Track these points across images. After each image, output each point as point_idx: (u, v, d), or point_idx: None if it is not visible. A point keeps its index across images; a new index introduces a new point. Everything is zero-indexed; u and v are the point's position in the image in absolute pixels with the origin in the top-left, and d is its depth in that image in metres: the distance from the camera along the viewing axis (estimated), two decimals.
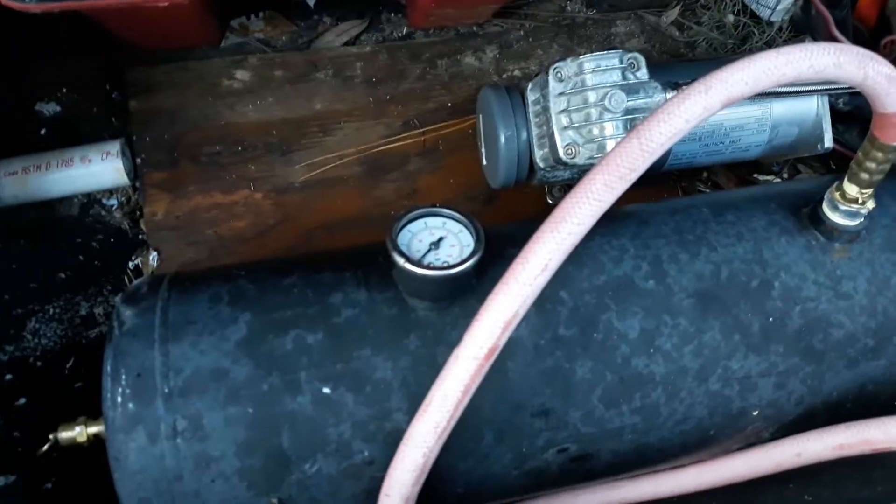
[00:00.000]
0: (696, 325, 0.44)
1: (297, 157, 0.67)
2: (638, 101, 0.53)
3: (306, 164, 0.67)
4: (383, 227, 0.67)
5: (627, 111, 0.52)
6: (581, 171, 0.57)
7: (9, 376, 0.55)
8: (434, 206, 0.43)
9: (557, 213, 0.36)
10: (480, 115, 0.63)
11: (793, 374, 0.46)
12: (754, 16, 0.74)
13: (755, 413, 0.46)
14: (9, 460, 0.51)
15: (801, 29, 0.72)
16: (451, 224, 0.42)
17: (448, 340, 0.43)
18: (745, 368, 0.45)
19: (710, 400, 0.45)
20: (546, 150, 0.54)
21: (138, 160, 0.65)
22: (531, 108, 0.55)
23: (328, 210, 0.66)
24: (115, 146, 0.64)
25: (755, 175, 0.75)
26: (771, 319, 0.45)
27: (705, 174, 0.74)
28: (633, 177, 0.37)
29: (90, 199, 0.66)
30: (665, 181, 0.71)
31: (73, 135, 0.65)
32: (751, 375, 0.45)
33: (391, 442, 0.41)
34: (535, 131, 0.55)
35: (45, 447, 0.48)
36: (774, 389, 0.46)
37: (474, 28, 0.73)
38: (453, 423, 0.38)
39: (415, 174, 0.68)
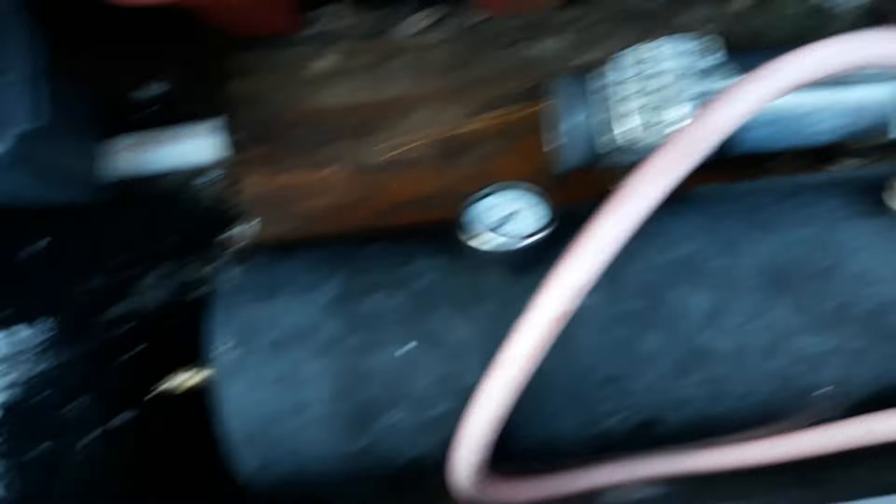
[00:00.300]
0: (764, 302, 0.46)
1: (379, 139, 0.71)
2: (710, 87, 0.54)
3: (386, 145, 0.71)
4: (456, 205, 0.71)
5: (698, 96, 0.53)
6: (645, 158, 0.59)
7: (122, 329, 0.61)
8: (505, 181, 0.46)
9: (621, 193, 0.39)
10: (550, 100, 0.65)
11: (861, 353, 0.47)
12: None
13: (822, 391, 0.47)
14: (122, 403, 0.57)
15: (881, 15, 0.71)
16: (524, 198, 0.45)
17: (520, 308, 0.46)
18: (813, 347, 0.46)
19: (777, 377, 0.46)
20: (612, 134, 0.57)
21: (235, 138, 0.71)
22: (599, 94, 0.57)
23: (405, 189, 0.70)
24: (215, 124, 0.69)
25: (825, 163, 0.75)
26: (841, 301, 0.46)
27: (774, 161, 0.74)
28: (700, 156, 0.38)
29: (191, 174, 0.72)
30: (734, 167, 0.72)
31: (176, 114, 0.71)
32: (819, 354, 0.46)
33: (466, 398, 0.44)
34: (601, 116, 0.57)
35: (155, 392, 0.54)
36: (843, 369, 0.47)
37: (546, 15, 0.75)
38: (524, 381, 0.41)
39: (486, 157, 0.71)
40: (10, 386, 0.50)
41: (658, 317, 0.45)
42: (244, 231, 0.69)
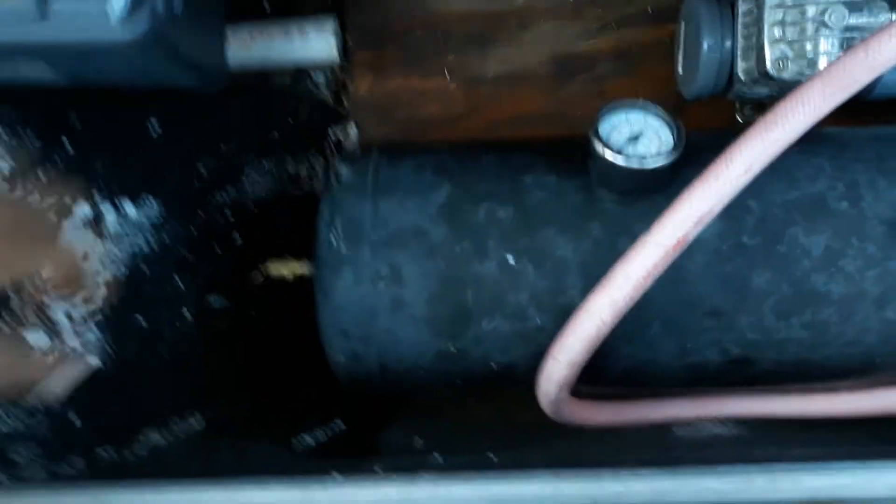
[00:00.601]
0: (884, 251, 0.44)
1: (493, 51, 0.69)
2: (860, 20, 0.50)
3: (500, 57, 0.69)
4: (566, 126, 0.69)
5: (847, 29, 0.50)
6: (782, 89, 0.56)
7: (229, 214, 0.64)
8: (638, 100, 0.44)
9: (769, 117, 0.37)
10: (683, 23, 0.62)
11: None
12: None
13: None
14: (225, 287, 0.60)
15: None
16: (652, 120, 0.44)
17: (630, 232, 0.45)
18: None
19: (884, 328, 0.45)
20: (752, 62, 0.54)
21: (348, 40, 0.71)
22: (741, 19, 0.54)
23: (515, 105, 0.69)
24: (329, 23, 0.69)
25: None
26: None
27: None
28: (854, 89, 0.36)
29: (301, 72, 0.72)
30: (866, 112, 0.68)
31: (291, 8, 0.71)
32: None
33: (562, 315, 0.45)
34: (741, 42, 0.54)
35: (257, 276, 0.56)
36: None
37: None
38: (630, 303, 0.41)
39: (603, 78, 0.69)
40: (115, 261, 0.53)
41: (773, 254, 0.44)
42: (352, 133, 0.69)
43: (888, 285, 0.44)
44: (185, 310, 0.57)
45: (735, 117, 0.66)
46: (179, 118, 0.65)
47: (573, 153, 0.48)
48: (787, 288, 0.44)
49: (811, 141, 0.48)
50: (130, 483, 0.40)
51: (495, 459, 0.45)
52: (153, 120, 0.64)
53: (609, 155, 0.43)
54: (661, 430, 0.52)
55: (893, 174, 0.45)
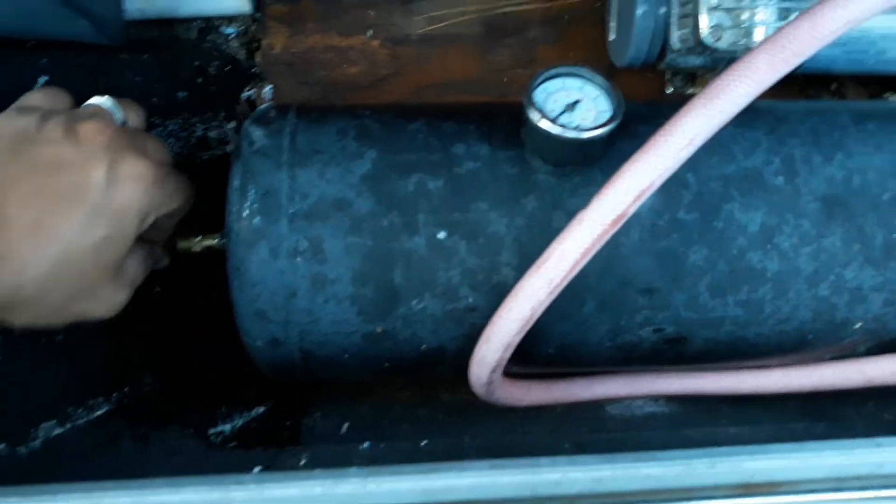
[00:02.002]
0: (818, 228, 0.44)
1: (418, 8, 0.65)
2: None
3: (427, 16, 0.65)
4: (495, 92, 0.66)
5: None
6: (715, 59, 0.54)
7: None
8: (576, 65, 0.42)
9: (711, 89, 0.35)
10: None
11: None
12: None
13: (858, 325, 0.46)
14: None
15: None
16: (589, 88, 0.42)
17: (566, 206, 0.43)
18: (858, 279, 0.44)
19: (817, 305, 0.45)
20: (687, 30, 0.52)
21: None
22: None
23: (441, 68, 0.66)
24: None
25: (887, 94, 0.71)
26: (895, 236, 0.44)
27: (834, 85, 0.70)
28: (798, 61, 0.35)
29: (209, 25, 0.66)
30: (792, 86, 0.68)
31: None
32: (863, 287, 0.44)
33: (495, 294, 0.43)
34: (676, 10, 0.53)
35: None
36: (883, 305, 0.45)
37: None
38: (566, 282, 0.39)
39: (534, 42, 0.66)
40: None
41: (710, 230, 0.43)
42: (265, 93, 0.64)
43: (821, 262, 0.44)
44: None
45: (664, 88, 0.65)
46: (71, 74, 0.58)
47: (506, 121, 0.46)
48: (723, 265, 0.43)
49: (747, 113, 0.47)
50: (19, 489, 0.36)
51: (426, 445, 0.42)
52: (41, 76, 0.58)
53: (544, 124, 0.40)
54: (594, 409, 0.51)
55: (828, 149, 0.45)
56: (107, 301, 0.43)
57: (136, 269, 0.46)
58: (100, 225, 0.41)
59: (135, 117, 0.48)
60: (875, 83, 0.68)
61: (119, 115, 0.47)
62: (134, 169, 0.42)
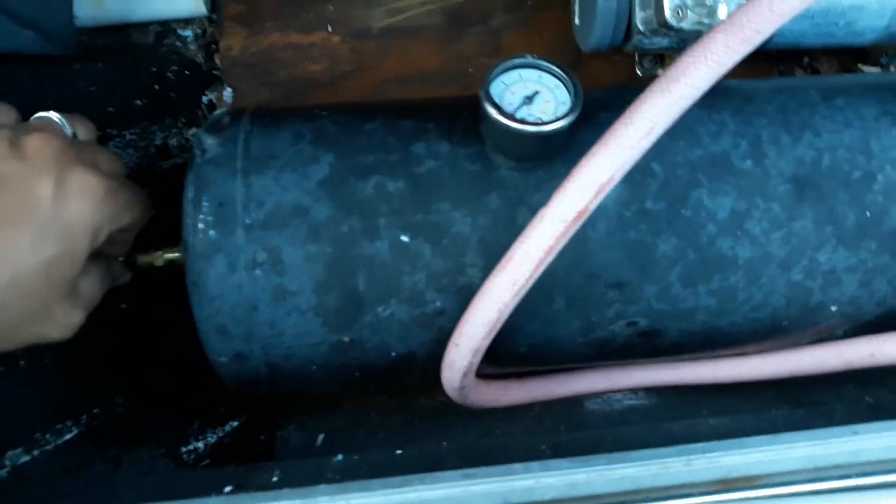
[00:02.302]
0: (788, 211, 0.43)
1: (376, 2, 0.64)
2: None
3: (387, 8, 0.64)
4: (461, 84, 0.65)
5: None
6: (682, 40, 0.53)
7: None
8: (531, 56, 0.40)
9: (670, 74, 0.34)
10: None
11: (881, 273, 0.44)
12: None
13: (833, 309, 0.45)
14: None
15: None
16: (547, 79, 0.40)
17: (530, 202, 0.42)
18: (831, 262, 0.43)
19: (790, 290, 0.44)
20: (650, 11, 0.51)
21: None
22: None
23: (405, 61, 0.64)
24: None
25: (859, 65, 0.70)
26: (868, 214, 0.43)
27: (806, 59, 0.69)
28: (758, 41, 0.34)
29: (165, 29, 0.64)
30: (763, 61, 0.67)
31: None
32: (836, 270, 0.44)
33: (463, 296, 0.41)
34: None
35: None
36: (858, 287, 0.44)
37: None
38: (531, 282, 0.37)
39: (499, 30, 0.64)
40: None
41: (678, 219, 0.42)
42: (226, 96, 0.63)
43: (793, 246, 0.43)
44: None
45: (634, 70, 0.64)
46: (18, 87, 0.56)
47: (467, 115, 0.44)
48: (693, 254, 0.42)
49: (713, 94, 0.45)
50: None
51: (401, 454, 0.41)
52: None
53: (503, 119, 0.39)
54: (572, 405, 0.50)
55: (797, 128, 0.44)
56: (61, 322, 0.42)
57: (91, 288, 0.44)
58: (49, 243, 0.39)
59: (84, 131, 0.47)
60: (847, 55, 0.67)
61: (68, 129, 0.46)
62: (83, 182, 0.40)
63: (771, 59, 0.68)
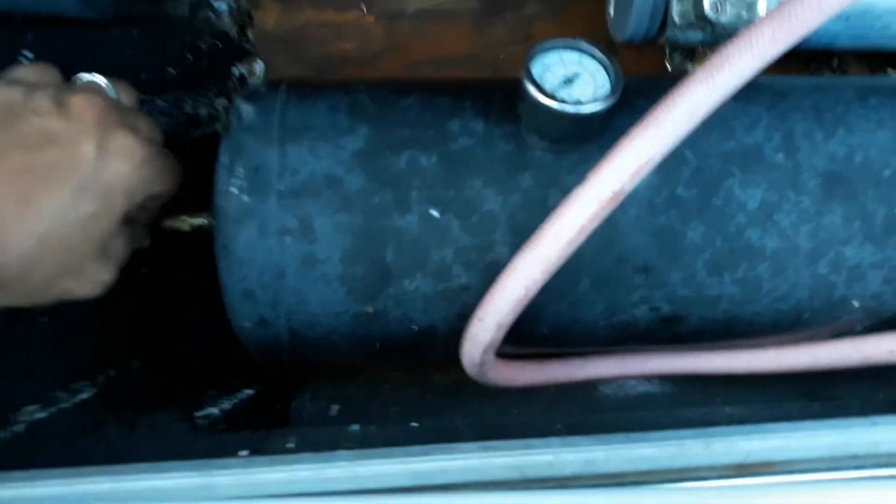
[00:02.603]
0: (818, 205, 0.43)
1: None
2: None
3: None
4: (491, 69, 0.65)
5: None
6: (716, 35, 0.53)
7: None
8: (574, 39, 0.41)
9: (714, 60, 0.34)
10: None
11: None
12: None
13: (856, 304, 0.45)
14: None
15: None
16: (588, 62, 0.41)
17: (562, 184, 0.42)
18: (857, 257, 0.43)
19: (815, 283, 0.44)
20: (688, 4, 0.51)
21: None
22: None
23: (437, 44, 0.64)
24: None
25: (889, 69, 0.70)
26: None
27: (836, 61, 0.69)
28: (804, 33, 0.34)
29: (201, 0, 0.65)
30: (794, 62, 0.67)
31: None
32: (861, 265, 0.44)
33: (489, 273, 0.42)
34: None
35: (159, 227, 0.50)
36: (882, 283, 0.44)
37: None
38: (561, 260, 0.38)
39: (532, 18, 0.65)
40: None
41: (708, 207, 0.42)
42: (258, 70, 0.63)
43: (821, 240, 0.43)
44: None
45: (664, 65, 0.64)
46: (58, 50, 0.57)
47: (502, 97, 0.45)
48: (721, 242, 0.42)
49: (748, 89, 0.46)
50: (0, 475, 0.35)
51: (417, 427, 0.42)
52: (26, 52, 0.56)
53: (542, 98, 0.39)
54: (587, 389, 0.50)
55: (830, 125, 0.44)
56: (92, 280, 0.42)
57: (122, 249, 0.45)
58: (88, 200, 0.40)
59: (126, 96, 0.47)
60: (876, 59, 0.67)
61: (112, 93, 0.46)
62: (124, 144, 0.41)
63: (801, 59, 0.68)
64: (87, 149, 0.40)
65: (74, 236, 0.40)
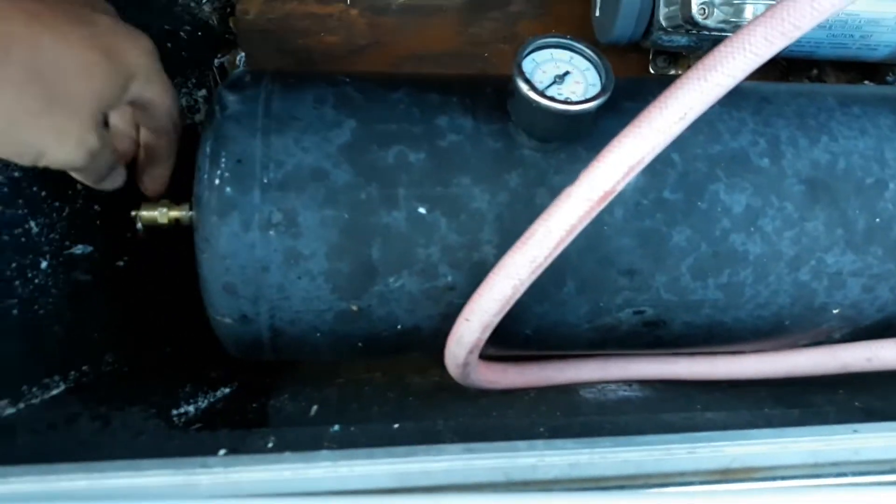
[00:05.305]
0: (801, 211, 0.43)
1: None
2: None
3: None
4: (476, 66, 0.65)
5: None
6: (701, 39, 0.54)
7: None
8: (564, 36, 0.40)
9: (707, 61, 0.34)
10: None
11: (884, 279, 0.45)
12: None
13: (835, 311, 0.45)
14: (88, 232, 0.52)
15: None
16: (578, 60, 0.40)
17: (550, 184, 0.42)
18: (838, 264, 0.44)
19: (796, 289, 0.44)
20: (675, 7, 0.51)
21: None
22: None
23: (421, 40, 0.64)
24: None
25: (866, 82, 0.71)
26: (878, 220, 0.44)
27: (815, 71, 0.70)
28: (796, 35, 0.34)
29: None
30: (772, 70, 0.68)
31: None
32: (842, 272, 0.44)
33: (475, 273, 0.41)
34: None
35: (137, 225, 0.48)
36: (861, 291, 0.45)
37: None
38: (549, 261, 0.37)
39: (517, 16, 0.64)
40: None
41: (694, 211, 0.42)
42: (239, 62, 0.62)
43: (803, 246, 0.43)
44: (40, 259, 0.49)
45: (646, 69, 0.64)
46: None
47: (491, 93, 0.44)
48: (706, 247, 0.42)
49: (733, 93, 0.46)
50: None
51: (399, 429, 0.41)
52: None
53: (533, 95, 0.39)
54: (568, 393, 0.50)
55: (814, 132, 0.44)
56: (76, 138, 0.39)
57: (120, 128, 0.47)
58: (98, 50, 0.39)
59: None
60: (854, 70, 0.68)
61: None
62: (140, 34, 0.43)
63: (780, 68, 0.69)
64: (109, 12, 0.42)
65: (75, 76, 0.38)
